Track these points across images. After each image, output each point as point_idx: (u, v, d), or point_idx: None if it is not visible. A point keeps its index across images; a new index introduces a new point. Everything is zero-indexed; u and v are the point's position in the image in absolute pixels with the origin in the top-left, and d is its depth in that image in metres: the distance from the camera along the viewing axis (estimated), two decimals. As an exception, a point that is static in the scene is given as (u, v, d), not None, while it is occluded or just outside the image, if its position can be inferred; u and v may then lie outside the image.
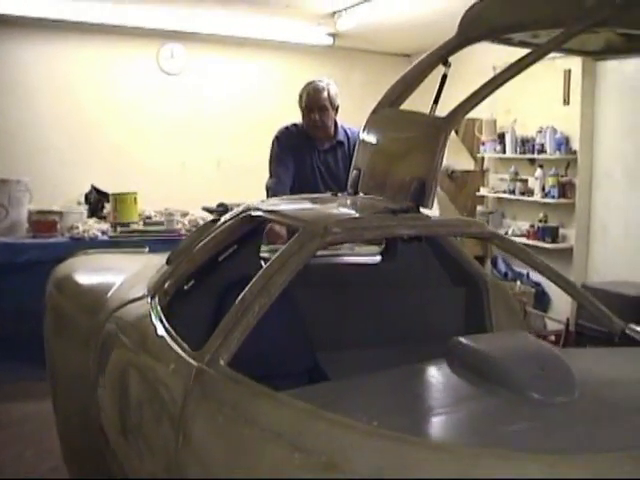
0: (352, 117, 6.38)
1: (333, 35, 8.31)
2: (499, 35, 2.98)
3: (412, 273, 3.51)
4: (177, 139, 8.37)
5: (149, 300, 2.79)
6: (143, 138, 8.19)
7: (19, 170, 6.49)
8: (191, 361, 2.13)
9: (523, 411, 1.90)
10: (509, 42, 3.04)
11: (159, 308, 2.69)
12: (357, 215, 2.64)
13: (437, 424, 1.93)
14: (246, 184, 6.99)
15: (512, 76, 2.66)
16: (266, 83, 8.79)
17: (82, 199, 6.79)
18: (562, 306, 6.08)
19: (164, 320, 2.56)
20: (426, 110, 2.91)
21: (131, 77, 8.21)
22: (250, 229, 3.06)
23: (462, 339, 2.16)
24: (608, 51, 3.54)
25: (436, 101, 3.00)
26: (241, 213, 2.96)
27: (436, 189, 2.62)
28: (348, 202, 2.89)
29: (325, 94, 4.70)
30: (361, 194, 2.90)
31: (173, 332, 2.43)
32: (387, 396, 2.04)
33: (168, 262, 3.02)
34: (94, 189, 6.69)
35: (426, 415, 1.95)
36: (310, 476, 1.62)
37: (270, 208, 2.87)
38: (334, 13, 7.55)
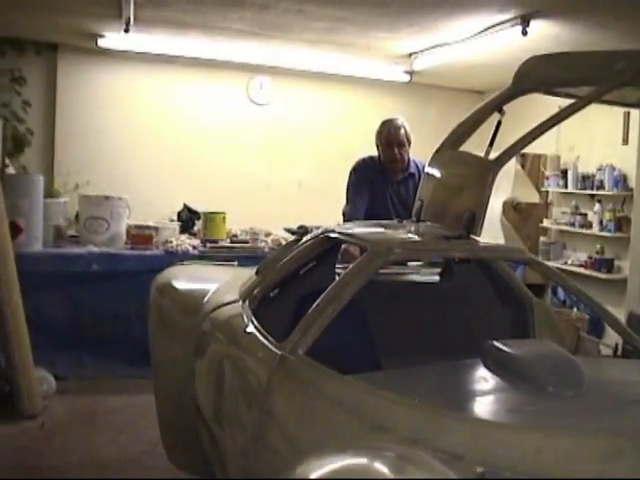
0: (427, 149, 6.82)
1: (410, 73, 8.58)
2: (547, 88, 3.35)
3: (466, 293, 3.86)
4: (262, 163, 8.76)
5: (241, 304, 3.26)
6: (232, 161, 8.60)
7: (118, 188, 6.96)
8: (275, 350, 2.59)
9: (539, 400, 2.29)
10: (556, 94, 3.39)
11: (249, 310, 3.16)
12: (417, 239, 3.10)
13: (466, 404, 2.34)
14: (324, 207, 7.40)
15: (554, 124, 3.09)
16: (345, 115, 9.12)
17: (174, 216, 7.28)
18: (615, 333, 6.29)
19: (254, 320, 3.03)
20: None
21: (223, 106, 8.65)
22: (327, 248, 3.49)
23: (494, 343, 2.58)
24: None
25: (491, 144, 3.34)
26: (320, 234, 3.42)
27: (484, 219, 3.04)
28: (411, 228, 3.30)
29: (403, 131, 5.09)
30: (423, 222, 3.31)
31: (261, 329, 2.91)
32: (430, 382, 2.48)
33: (257, 273, 3.50)
34: (186, 207, 7.16)
35: (459, 398, 2.37)
36: (364, 435, 2.05)
37: (344, 231, 3.32)
38: (410, 54, 7.85)
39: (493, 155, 3.14)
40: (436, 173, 3.37)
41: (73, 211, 6.94)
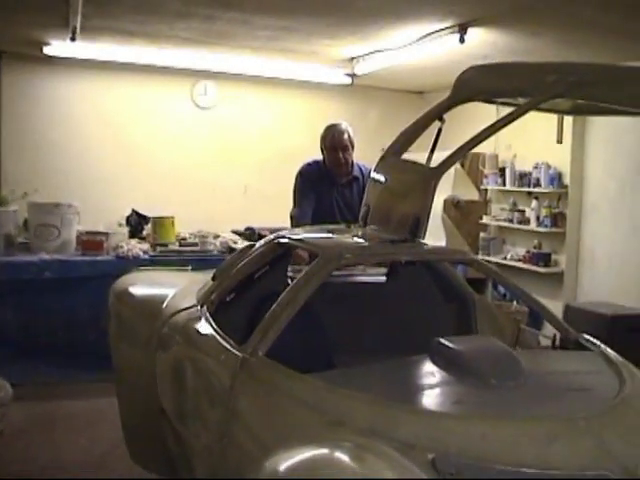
0: (369, 148, 7.01)
1: (352, 75, 8.68)
2: (485, 97, 3.51)
3: (411, 291, 4.06)
4: (208, 167, 8.85)
5: (199, 308, 3.42)
6: (178, 166, 8.69)
7: (66, 195, 6.99)
8: (237, 353, 2.76)
9: (482, 392, 2.49)
10: (493, 102, 3.61)
11: (207, 315, 3.32)
12: (365, 244, 3.28)
13: (417, 398, 2.53)
14: (270, 209, 7.59)
15: (491, 134, 3.29)
16: (290, 118, 9.25)
17: (123, 221, 7.27)
18: None
19: (212, 324, 3.19)
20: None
21: (168, 111, 8.74)
22: (279, 253, 3.66)
23: (440, 340, 2.78)
24: (576, 112, 4.16)
25: (432, 150, 3.53)
26: (272, 240, 3.59)
27: (428, 224, 3.20)
28: (359, 233, 3.47)
29: (346, 135, 5.26)
30: (369, 226, 3.48)
31: (221, 332, 3.08)
32: (383, 379, 2.66)
33: (213, 278, 3.67)
34: (135, 212, 7.22)
35: (409, 392, 2.56)
36: (325, 430, 2.21)
37: (295, 237, 3.52)
38: (352, 59, 8.02)
39: (435, 162, 3.37)
40: (381, 179, 3.52)
41: (21, 219, 6.92)
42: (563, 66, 3.19)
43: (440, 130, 3.56)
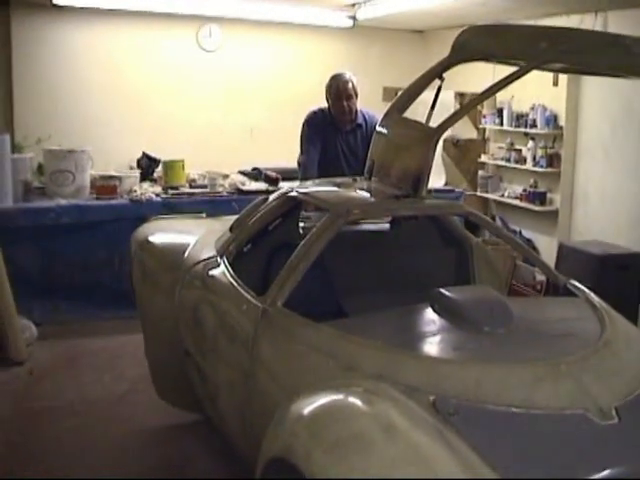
0: (371, 87, 7.20)
1: (353, 18, 8.78)
2: (482, 58, 3.71)
3: (413, 239, 4.32)
4: (215, 109, 8.94)
5: (218, 259, 3.70)
6: (185, 108, 8.78)
7: (78, 140, 7.26)
8: (258, 303, 3.05)
9: (477, 338, 2.78)
10: (491, 62, 3.83)
11: (227, 265, 3.60)
12: (371, 199, 3.53)
13: (419, 344, 2.82)
14: (275, 150, 7.84)
15: (488, 96, 3.54)
16: (294, 60, 9.31)
17: (133, 164, 7.50)
18: (549, 260, 6.62)
19: (233, 274, 3.47)
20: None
21: (174, 55, 8.78)
22: (291, 206, 3.93)
23: (440, 290, 3.06)
24: (566, 72, 4.37)
25: (432, 107, 3.75)
26: (284, 194, 3.87)
27: (429, 180, 3.48)
28: (364, 186, 3.73)
29: (351, 85, 5.47)
30: (374, 179, 3.74)
31: (240, 282, 3.36)
32: (388, 326, 2.96)
33: (231, 230, 3.94)
34: (145, 155, 7.36)
35: (413, 339, 2.86)
36: (338, 374, 2.49)
37: (305, 191, 3.79)
38: (354, 5, 8.19)
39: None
40: (385, 136, 3.73)
41: (35, 164, 7.12)
42: (553, 33, 3.40)
43: (440, 88, 3.76)
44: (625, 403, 2.39)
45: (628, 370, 2.59)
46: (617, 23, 5.83)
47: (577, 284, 3.46)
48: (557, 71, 4.49)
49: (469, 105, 4.09)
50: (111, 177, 6.82)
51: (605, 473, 2.13)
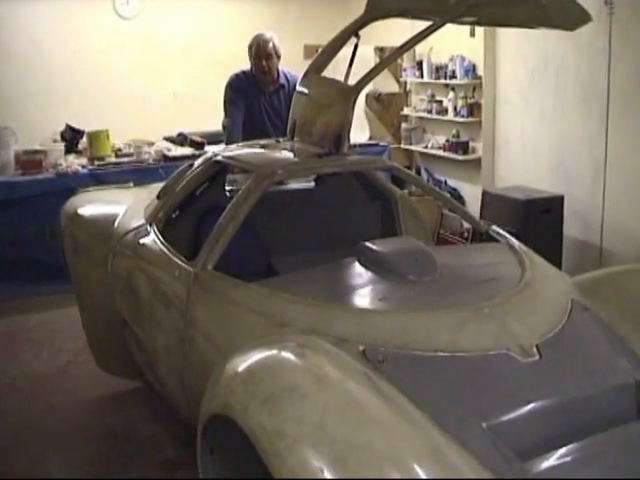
0: (292, 46, 7.21)
1: None
2: (396, 15, 3.76)
3: (339, 195, 4.43)
4: (136, 77, 8.77)
5: (148, 227, 3.75)
6: (106, 78, 8.58)
7: (-1, 116, 7.12)
8: (189, 268, 3.10)
9: (403, 288, 2.89)
10: (406, 18, 3.90)
11: (157, 232, 3.65)
12: (295, 159, 3.59)
13: (347, 297, 2.91)
14: (198, 113, 7.81)
15: (406, 50, 3.61)
16: (213, 24, 9.20)
17: (57, 137, 7.46)
18: (474, 208, 6.70)
19: (163, 240, 3.53)
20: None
21: (91, 23, 8.59)
22: (216, 170, 3.98)
23: (365, 243, 3.15)
24: (480, 24, 4.45)
25: (350, 65, 3.79)
26: (209, 159, 3.91)
27: (349, 137, 3.54)
28: (287, 147, 3.79)
29: (271, 45, 5.53)
30: (296, 139, 3.79)
31: (170, 248, 3.42)
32: (317, 282, 3.05)
33: (158, 197, 3.99)
34: (69, 127, 7.35)
35: (341, 293, 2.95)
36: (271, 331, 2.58)
37: (230, 154, 3.84)
38: None
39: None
40: (304, 96, 3.78)
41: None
42: None
43: (356, 46, 3.82)
44: (545, 341, 2.52)
45: (548, 309, 2.72)
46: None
47: (499, 230, 3.59)
48: (471, 24, 4.58)
49: (386, 61, 4.15)
50: (35, 152, 6.75)
51: (529, 407, 2.27)
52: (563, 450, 2.13)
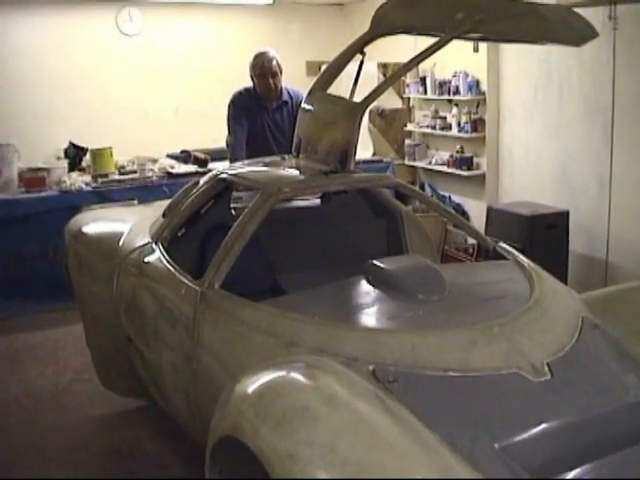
0: (293, 62, 7.21)
1: None
2: (401, 32, 3.74)
3: (344, 211, 4.40)
4: (139, 93, 8.80)
5: (153, 245, 3.73)
6: (109, 95, 8.62)
7: (1, 133, 7.13)
8: (195, 287, 3.08)
9: (411, 307, 2.86)
10: (411, 34, 3.89)
11: (162, 250, 3.64)
12: (301, 177, 3.56)
13: (356, 316, 2.90)
14: (200, 129, 7.84)
15: (411, 68, 3.59)
16: (215, 40, 9.23)
17: (61, 154, 7.42)
18: (479, 224, 6.59)
19: (169, 259, 3.51)
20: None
21: (94, 41, 8.60)
22: (222, 188, 3.96)
23: (374, 262, 3.12)
24: (485, 40, 4.45)
25: (355, 82, 3.79)
26: (215, 177, 3.89)
27: (355, 154, 3.50)
28: (293, 164, 3.78)
29: (275, 62, 5.53)
30: (302, 156, 3.77)
31: (176, 266, 3.40)
32: (326, 301, 3.02)
33: (164, 215, 3.97)
34: (72, 144, 7.31)
35: (349, 312, 2.94)
36: (280, 351, 2.54)
37: (236, 172, 3.83)
38: None
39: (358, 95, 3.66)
40: (310, 113, 3.76)
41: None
42: (470, 4, 3.38)
43: (362, 63, 3.81)
44: (556, 359, 2.49)
45: (558, 327, 2.69)
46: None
47: (505, 246, 3.56)
48: (476, 40, 4.57)
49: (391, 78, 4.16)
50: (39, 169, 6.73)
51: (541, 427, 2.23)
52: (578, 471, 2.10)
